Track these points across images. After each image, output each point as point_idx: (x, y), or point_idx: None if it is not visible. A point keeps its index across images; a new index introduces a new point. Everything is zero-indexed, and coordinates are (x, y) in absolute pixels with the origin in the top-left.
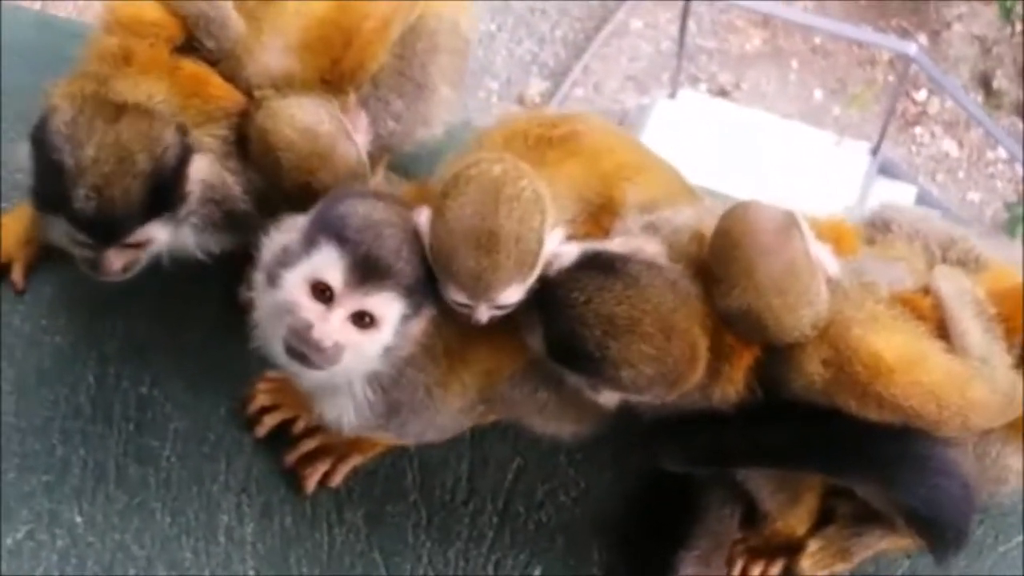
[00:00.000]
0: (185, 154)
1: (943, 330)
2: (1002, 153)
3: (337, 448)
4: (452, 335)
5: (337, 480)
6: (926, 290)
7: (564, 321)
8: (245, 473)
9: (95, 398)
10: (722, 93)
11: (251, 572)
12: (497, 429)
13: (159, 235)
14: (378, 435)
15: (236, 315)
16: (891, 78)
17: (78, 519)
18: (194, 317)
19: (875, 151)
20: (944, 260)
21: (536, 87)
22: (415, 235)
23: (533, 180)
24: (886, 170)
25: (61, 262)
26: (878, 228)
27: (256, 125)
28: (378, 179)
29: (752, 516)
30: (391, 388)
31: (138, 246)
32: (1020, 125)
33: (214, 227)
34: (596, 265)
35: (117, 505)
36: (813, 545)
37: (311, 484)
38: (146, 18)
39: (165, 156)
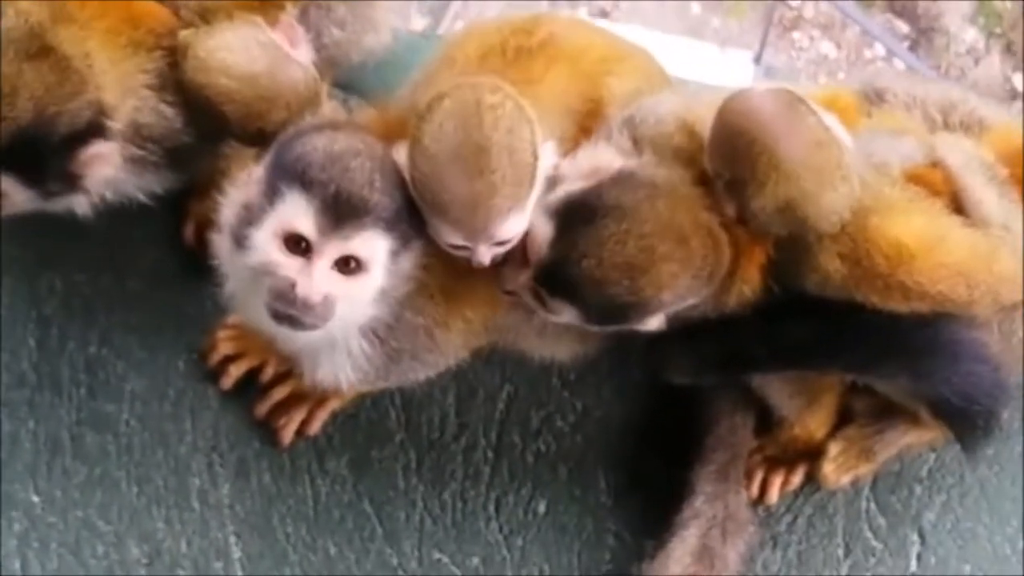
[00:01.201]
0: (85, 133)
1: (958, 203)
2: (879, 50)
3: (312, 394)
4: (445, 271)
5: (315, 428)
6: (935, 163)
7: (593, 292)
8: (213, 430)
9: (39, 364)
10: (603, 14)
11: (232, 537)
12: (481, 356)
13: (13, 193)
14: (376, 386)
15: (183, 257)
16: None
17: (35, 498)
18: (138, 264)
19: (758, 59)
20: (946, 125)
21: (418, 24)
22: (386, 161)
23: (513, 94)
24: (770, 76)
25: None
26: (871, 100)
27: (188, 79)
28: (332, 105)
29: (766, 423)
30: (389, 337)
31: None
32: (894, 21)
33: (156, 166)
34: (578, 220)
35: (76, 479)
36: (834, 448)
37: (288, 435)
38: None
39: (54, 120)
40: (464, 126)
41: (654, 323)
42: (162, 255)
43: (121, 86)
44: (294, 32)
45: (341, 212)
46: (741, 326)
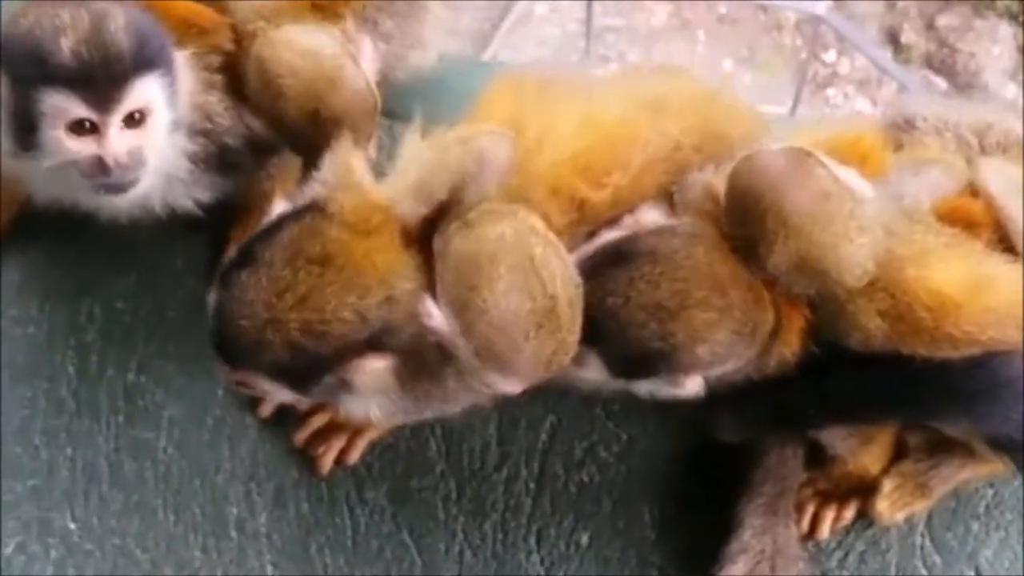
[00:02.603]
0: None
1: (1002, 231)
2: None
3: (351, 422)
4: None
5: (354, 457)
6: (972, 190)
7: (616, 334)
8: (252, 458)
9: (78, 391)
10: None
11: (269, 567)
12: None
13: (158, 102)
14: (409, 420)
15: None
16: (799, 42)
17: (71, 525)
18: (178, 293)
19: (791, 115)
20: (983, 148)
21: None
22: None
23: (543, 230)
24: None
25: (29, 243)
26: (902, 128)
27: (253, 56)
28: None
29: (817, 455)
30: (415, 382)
31: (140, 122)
32: (931, 78)
33: (205, 165)
34: (607, 263)
35: (114, 506)
36: (888, 485)
37: (327, 464)
38: None
39: (142, 17)
40: (528, 293)
41: (691, 386)
42: (202, 284)
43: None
44: (363, 44)
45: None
46: (789, 383)
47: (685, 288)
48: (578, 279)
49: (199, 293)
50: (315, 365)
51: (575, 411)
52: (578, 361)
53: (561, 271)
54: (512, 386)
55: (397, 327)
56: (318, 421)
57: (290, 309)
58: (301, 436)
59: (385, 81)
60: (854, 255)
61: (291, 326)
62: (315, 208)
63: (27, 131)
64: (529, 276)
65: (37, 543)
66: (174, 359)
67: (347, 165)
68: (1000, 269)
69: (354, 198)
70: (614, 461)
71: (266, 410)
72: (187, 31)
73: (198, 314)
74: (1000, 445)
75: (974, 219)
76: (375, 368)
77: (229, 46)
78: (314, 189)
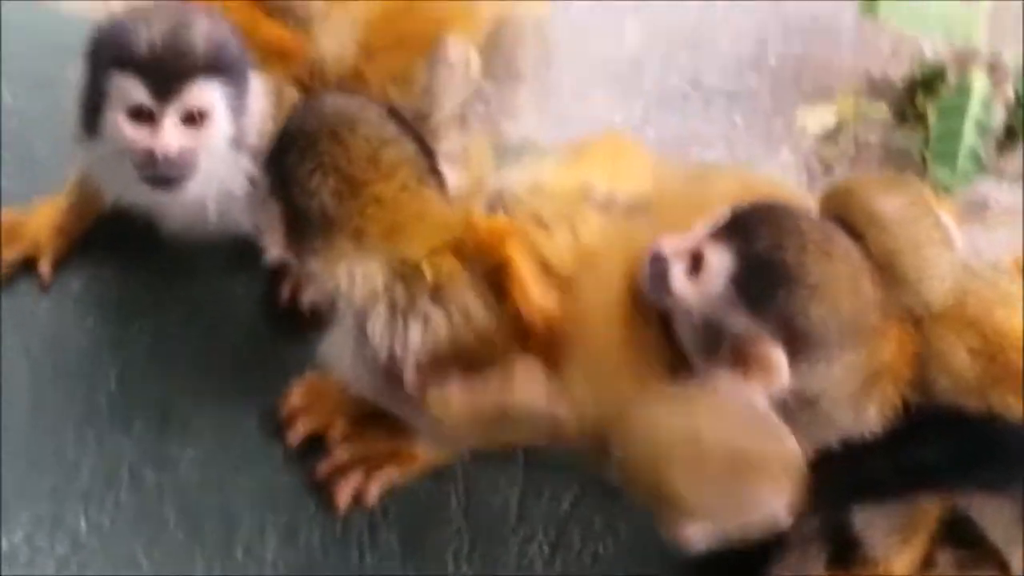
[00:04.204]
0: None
1: None
2: None
3: (374, 460)
4: None
5: (372, 497)
6: None
7: (767, 241)
8: (271, 486)
9: (115, 401)
10: None
11: None
12: (552, 453)
13: (219, 108)
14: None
15: (277, 318)
16: None
17: (82, 525)
18: (231, 319)
19: None
20: None
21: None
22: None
23: None
24: None
25: (92, 256)
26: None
27: None
28: None
29: (841, 555)
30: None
31: (198, 123)
32: None
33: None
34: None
35: (127, 513)
36: None
37: (344, 499)
38: None
39: (228, 29)
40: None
41: (773, 357)
42: (256, 312)
43: None
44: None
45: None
46: (865, 450)
47: (835, 246)
48: None
49: (252, 320)
50: None
51: (602, 487)
52: (698, 264)
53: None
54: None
55: None
56: (342, 455)
57: None
58: (324, 468)
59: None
60: (935, 260)
61: None
62: None
63: (92, 113)
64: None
65: (45, 538)
66: (215, 383)
67: None
68: None
69: None
70: (632, 537)
71: (294, 437)
72: (269, 55)
73: (248, 340)
74: None
75: None
76: None
77: (307, 80)
78: None
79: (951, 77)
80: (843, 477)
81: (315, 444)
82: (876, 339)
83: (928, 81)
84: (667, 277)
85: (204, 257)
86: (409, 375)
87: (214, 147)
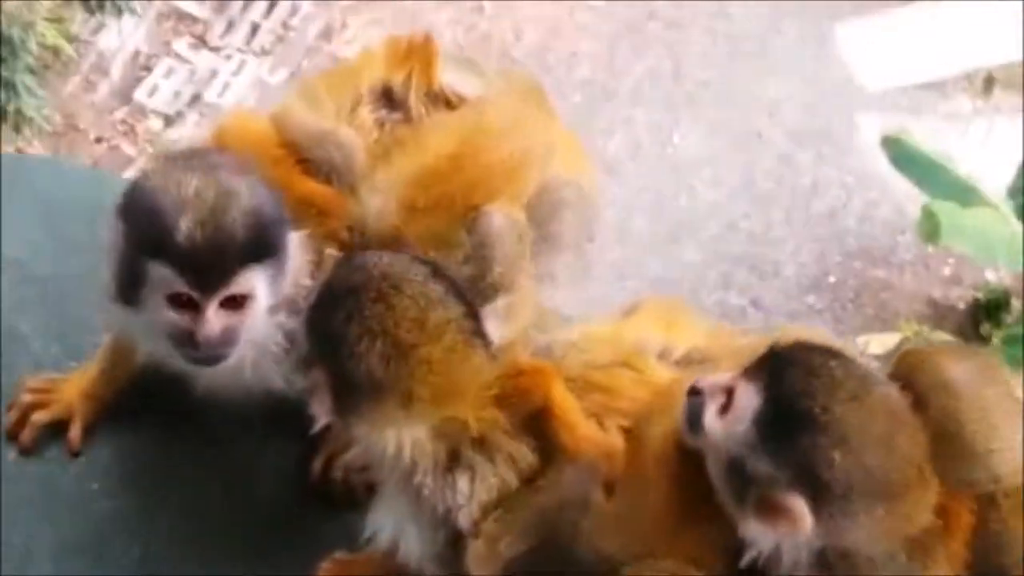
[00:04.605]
0: (284, 217)
1: None
2: None
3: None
4: None
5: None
6: None
7: (793, 379)
8: None
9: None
10: None
11: None
12: None
13: (260, 289)
14: None
15: (307, 494)
16: None
17: None
18: (261, 493)
19: None
20: None
21: None
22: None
23: None
24: None
25: (122, 424)
26: None
27: None
28: None
29: None
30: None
31: (239, 305)
32: None
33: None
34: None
35: None
36: None
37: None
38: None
39: (266, 201)
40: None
41: (791, 504)
42: (286, 488)
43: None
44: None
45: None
46: None
47: (868, 394)
48: None
49: (283, 496)
50: None
51: None
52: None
53: None
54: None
55: None
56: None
57: None
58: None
59: None
60: (1005, 430)
61: None
62: None
63: (131, 287)
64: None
65: None
66: (242, 558)
67: None
68: None
69: None
70: None
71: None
72: (307, 211)
73: (278, 516)
74: None
75: None
76: None
77: (345, 235)
78: None
79: (1015, 302)
80: None
81: None
82: (915, 501)
83: (991, 306)
84: (701, 415)
85: (236, 427)
86: (465, 524)
87: (255, 321)
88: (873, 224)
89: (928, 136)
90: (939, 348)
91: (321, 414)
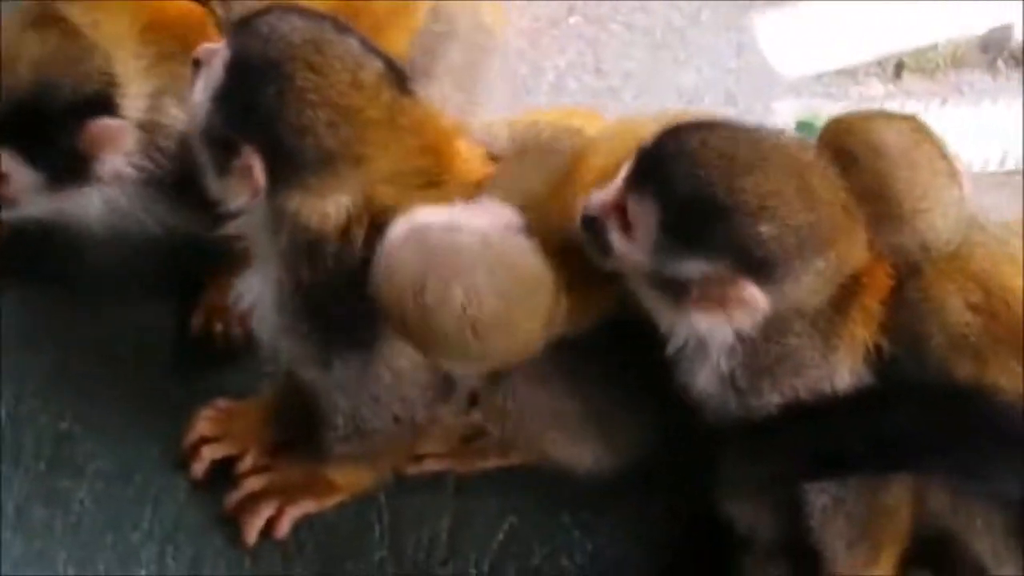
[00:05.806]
0: (93, 105)
1: None
2: None
3: (288, 491)
4: None
5: (284, 530)
6: None
7: (685, 169)
8: (174, 520)
9: (3, 435)
10: None
11: None
12: (486, 479)
13: (16, 175)
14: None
15: (185, 346)
16: None
17: None
18: (139, 348)
19: None
20: None
21: None
22: None
23: None
24: None
25: None
26: None
27: None
28: None
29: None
30: None
31: None
32: None
33: (167, 192)
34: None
35: (11, 551)
36: None
37: (253, 532)
38: None
39: (56, 86)
40: None
41: (748, 306)
42: (163, 341)
43: (140, 71)
44: None
45: None
46: (833, 413)
47: (767, 155)
48: None
49: (157, 349)
50: None
51: (539, 514)
52: (632, 212)
53: None
54: None
55: None
56: (253, 484)
57: None
58: (233, 499)
59: None
60: (936, 191)
61: None
62: None
63: None
64: None
65: None
66: (115, 412)
67: None
68: None
69: None
70: (574, 570)
71: (199, 468)
72: (160, 30)
73: (153, 370)
74: None
75: None
76: None
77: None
78: None
79: None
80: (807, 441)
81: (228, 477)
82: (845, 243)
83: None
84: (607, 241)
85: (112, 289)
86: None
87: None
88: None
89: None
90: (867, 113)
91: (240, 195)
